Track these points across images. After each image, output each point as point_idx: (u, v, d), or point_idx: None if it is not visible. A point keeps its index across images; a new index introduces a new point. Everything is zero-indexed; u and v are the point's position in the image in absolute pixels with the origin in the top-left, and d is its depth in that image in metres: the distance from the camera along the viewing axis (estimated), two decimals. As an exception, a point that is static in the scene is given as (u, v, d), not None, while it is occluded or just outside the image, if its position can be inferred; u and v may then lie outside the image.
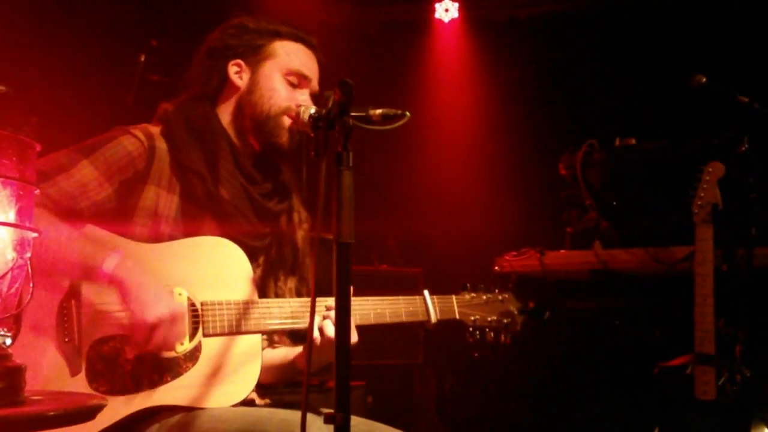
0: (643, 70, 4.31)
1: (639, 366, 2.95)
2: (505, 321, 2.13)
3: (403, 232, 4.49)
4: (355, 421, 1.81)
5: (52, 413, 1.16)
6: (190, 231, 1.90)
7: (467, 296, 2.14)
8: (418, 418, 4.12)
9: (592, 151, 3.40)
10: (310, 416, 1.56)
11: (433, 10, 5.11)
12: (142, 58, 3.40)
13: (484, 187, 4.77)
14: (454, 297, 2.11)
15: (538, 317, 2.18)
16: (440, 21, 5.12)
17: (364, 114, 1.56)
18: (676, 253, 2.97)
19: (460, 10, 5.09)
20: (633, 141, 3.37)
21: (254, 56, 2.02)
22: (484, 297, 2.15)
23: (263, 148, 2.02)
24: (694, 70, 2.75)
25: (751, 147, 2.81)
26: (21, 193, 1.22)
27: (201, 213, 1.92)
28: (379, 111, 1.57)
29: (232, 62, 2.02)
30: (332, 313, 1.83)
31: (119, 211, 1.86)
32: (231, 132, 2.01)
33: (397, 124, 1.58)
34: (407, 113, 1.59)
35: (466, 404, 4.35)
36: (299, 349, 2.01)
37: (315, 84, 2.07)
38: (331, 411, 1.42)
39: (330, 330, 1.86)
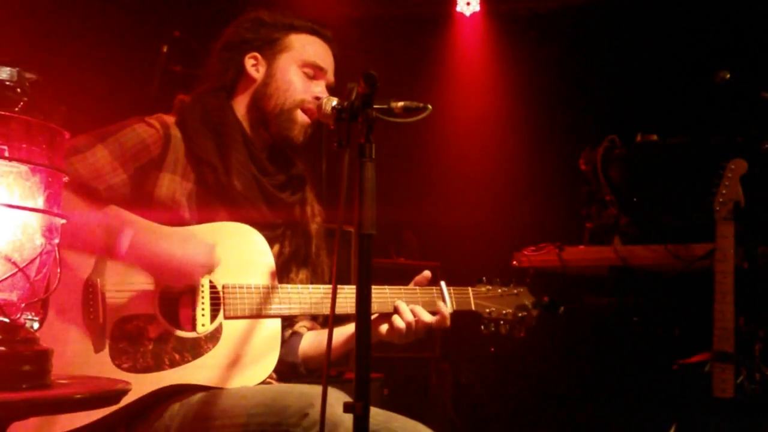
0: (667, 66, 4.28)
1: (657, 363, 2.94)
2: (520, 315, 2.14)
3: (421, 225, 4.49)
4: (372, 411, 1.82)
5: (78, 396, 1.18)
6: (204, 219, 1.92)
7: (483, 288, 2.15)
8: (433, 411, 4.13)
9: (613, 146, 3.37)
10: (332, 391, 1.57)
11: (455, 4, 5.09)
12: (165, 49, 3.43)
13: (503, 182, 4.76)
14: (470, 288, 2.13)
15: (552, 312, 2.18)
16: (462, 14, 5.10)
17: (386, 106, 1.56)
18: (697, 250, 2.95)
19: (481, 3, 5.06)
20: (655, 137, 3.34)
21: (270, 49, 2.04)
22: (500, 290, 2.16)
23: (276, 140, 2.04)
24: (718, 66, 2.73)
25: (774, 144, 2.79)
26: (50, 179, 1.23)
27: (214, 202, 1.94)
28: (401, 104, 1.58)
29: (249, 55, 2.04)
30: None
31: (137, 198, 1.88)
32: (245, 124, 2.02)
33: (418, 117, 1.59)
34: (429, 106, 1.59)
35: (481, 398, 4.35)
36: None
37: (331, 76, 2.08)
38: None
39: (424, 315, 1.95)
